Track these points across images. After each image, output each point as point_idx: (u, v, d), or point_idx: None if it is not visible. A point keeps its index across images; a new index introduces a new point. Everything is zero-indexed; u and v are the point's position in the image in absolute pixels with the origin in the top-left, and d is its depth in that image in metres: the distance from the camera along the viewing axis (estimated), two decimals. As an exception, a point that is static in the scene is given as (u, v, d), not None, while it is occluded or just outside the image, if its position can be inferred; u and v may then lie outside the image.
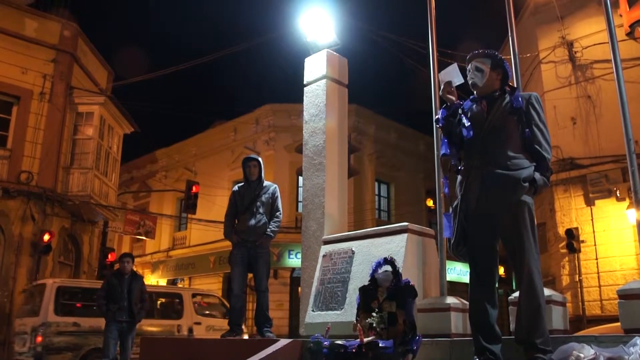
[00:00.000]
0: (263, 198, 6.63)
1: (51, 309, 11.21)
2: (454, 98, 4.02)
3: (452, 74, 4.09)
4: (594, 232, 15.70)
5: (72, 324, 11.29)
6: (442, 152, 4.04)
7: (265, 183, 6.79)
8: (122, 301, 8.55)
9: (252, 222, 6.50)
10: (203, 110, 53.36)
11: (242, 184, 6.87)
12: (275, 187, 6.86)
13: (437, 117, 4.18)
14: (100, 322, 9.06)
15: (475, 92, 4.02)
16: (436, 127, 5.08)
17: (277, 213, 6.72)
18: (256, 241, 6.47)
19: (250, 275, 6.79)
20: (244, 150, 25.88)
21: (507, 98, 3.88)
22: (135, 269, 9.38)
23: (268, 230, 6.55)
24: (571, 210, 16.33)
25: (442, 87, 4.09)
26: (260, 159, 6.89)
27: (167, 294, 14.91)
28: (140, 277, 9.31)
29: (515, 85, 4.32)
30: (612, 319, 12.94)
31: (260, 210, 6.58)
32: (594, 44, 15.66)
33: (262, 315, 6.64)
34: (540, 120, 3.82)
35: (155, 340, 8.15)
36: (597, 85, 16.08)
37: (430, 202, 19.85)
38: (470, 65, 4.02)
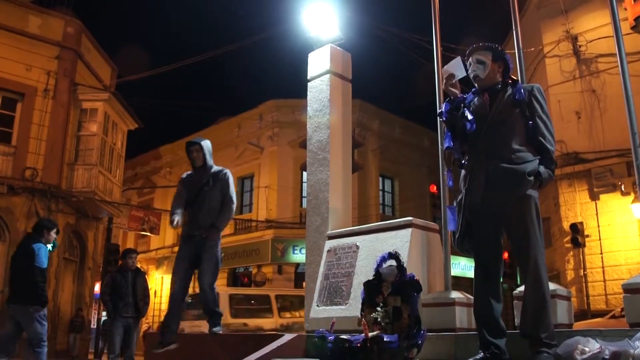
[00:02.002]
0: (211, 186, 6.01)
1: (228, 312, 13.80)
2: (457, 92, 4.01)
3: (455, 68, 4.08)
4: (598, 226, 15.68)
5: (243, 324, 13.60)
6: (446, 145, 4.03)
7: (214, 169, 6.16)
8: (127, 297, 8.57)
9: (199, 214, 5.93)
10: (207, 106, 53.39)
11: (190, 172, 6.34)
12: (226, 172, 6.18)
13: (440, 110, 4.18)
14: (263, 322, 9.73)
15: (477, 85, 4.01)
16: (440, 120, 5.07)
17: (229, 202, 6.05)
18: (202, 234, 5.87)
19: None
20: (248, 146, 25.91)
21: (510, 90, 3.87)
22: (139, 265, 9.42)
23: (216, 222, 5.95)
24: (576, 205, 16.31)
25: (444, 80, 4.08)
26: (204, 142, 6.22)
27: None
28: (143, 273, 9.35)
29: (518, 79, 4.30)
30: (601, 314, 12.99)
31: (208, 200, 5.96)
32: (599, 38, 15.60)
33: (208, 312, 6.08)
34: (544, 112, 3.80)
35: (154, 336, 8.12)
36: (601, 79, 16.03)
37: (434, 188, 19.81)
38: (471, 58, 4.01)
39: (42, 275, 6.56)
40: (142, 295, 8.77)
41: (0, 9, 16.14)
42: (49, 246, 7.14)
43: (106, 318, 17.63)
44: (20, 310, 6.53)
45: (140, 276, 8.94)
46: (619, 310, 12.30)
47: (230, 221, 6.13)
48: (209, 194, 5.95)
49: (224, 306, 14.03)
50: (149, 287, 9.40)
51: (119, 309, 8.53)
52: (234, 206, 6.09)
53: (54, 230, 7.05)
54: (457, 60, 4.11)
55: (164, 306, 28.08)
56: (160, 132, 49.46)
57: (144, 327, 25.98)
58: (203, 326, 13.85)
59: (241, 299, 15.48)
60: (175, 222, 5.93)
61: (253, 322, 14.57)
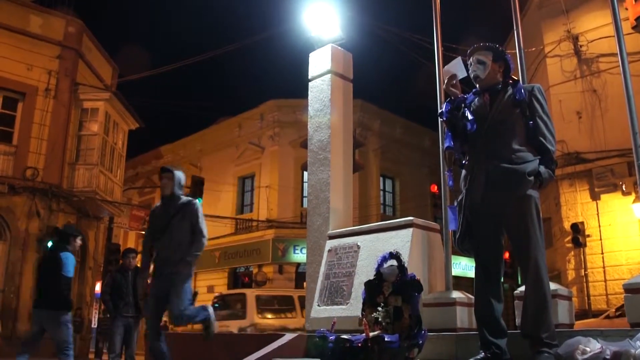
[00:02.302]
0: (179, 218, 5.51)
1: (255, 313, 14.62)
2: (457, 92, 4.01)
3: (456, 68, 4.08)
4: (599, 226, 15.67)
5: (268, 324, 13.85)
6: (446, 145, 4.03)
7: (182, 200, 5.65)
8: (127, 297, 8.57)
9: (168, 248, 5.46)
10: (208, 106, 53.37)
11: (159, 203, 5.88)
12: (195, 204, 5.66)
13: (441, 110, 4.18)
14: (287, 322, 9.86)
15: (477, 85, 4.01)
16: (440, 120, 5.07)
17: (199, 235, 5.52)
18: (171, 270, 5.37)
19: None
20: (249, 146, 25.91)
21: (510, 90, 3.87)
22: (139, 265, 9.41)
23: (186, 255, 5.41)
24: (577, 205, 16.30)
25: (445, 80, 4.08)
26: (177, 172, 5.79)
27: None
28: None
29: (518, 79, 4.30)
30: (602, 314, 12.97)
31: (176, 233, 5.47)
32: (600, 38, 15.60)
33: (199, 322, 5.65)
34: (544, 112, 3.80)
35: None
36: (602, 79, 16.02)
37: (434, 188, 19.84)
38: (472, 58, 4.01)
39: (67, 283, 6.84)
40: (142, 295, 8.76)
41: (1, 8, 16.16)
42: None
43: (102, 317, 17.69)
44: (46, 316, 6.76)
45: (139, 275, 8.93)
46: (613, 310, 12.32)
47: (199, 256, 5.56)
48: (178, 226, 5.48)
49: (250, 307, 15.04)
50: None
51: (120, 309, 8.52)
52: (205, 239, 5.58)
53: (80, 237, 7.33)
54: (458, 60, 4.11)
55: (165, 306, 28.12)
56: (161, 131, 49.52)
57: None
58: (231, 326, 14.64)
59: (266, 299, 15.74)
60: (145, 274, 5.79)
61: (278, 322, 14.80)
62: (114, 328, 8.58)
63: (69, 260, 6.79)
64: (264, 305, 15.52)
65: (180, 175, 5.78)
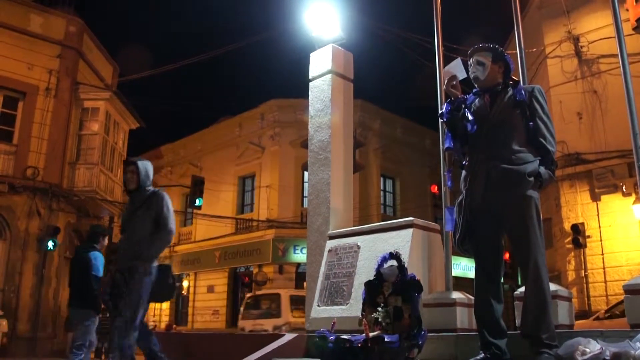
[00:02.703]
0: (143, 210, 5.10)
1: (289, 312, 15.41)
2: (457, 92, 4.01)
3: (456, 69, 4.08)
4: (599, 227, 15.67)
5: (301, 322, 13.96)
6: (446, 145, 4.04)
7: (149, 191, 5.23)
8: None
9: (128, 243, 5.08)
10: (208, 105, 53.42)
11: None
12: (161, 195, 5.20)
13: (441, 111, 4.18)
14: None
15: (477, 86, 4.01)
16: (441, 121, 5.07)
17: (162, 227, 5.06)
18: (129, 269, 5.01)
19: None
20: (249, 146, 25.93)
21: (510, 91, 3.87)
22: None
23: (146, 251, 4.97)
24: (577, 206, 16.30)
25: (445, 81, 4.08)
26: (142, 162, 5.31)
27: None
28: None
29: (519, 79, 4.30)
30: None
31: (139, 227, 5.06)
32: (600, 39, 15.60)
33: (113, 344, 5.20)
34: (544, 112, 3.80)
35: (160, 335, 8.15)
36: (603, 80, 16.01)
37: (435, 189, 19.87)
38: (471, 59, 4.01)
39: (97, 282, 6.98)
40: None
41: (2, 7, 16.17)
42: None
43: (102, 316, 17.68)
44: (76, 314, 7.03)
45: None
46: (603, 312, 12.32)
47: (164, 250, 5.12)
48: (141, 219, 5.07)
49: (285, 306, 15.77)
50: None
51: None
52: (171, 231, 5.10)
53: (107, 236, 7.62)
54: (458, 61, 4.11)
55: (165, 305, 28.14)
56: (162, 131, 49.45)
57: (150, 325, 26.03)
58: (266, 324, 15.04)
59: (298, 299, 15.93)
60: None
61: None
62: (112, 328, 8.55)
63: (98, 260, 7.00)
64: (296, 304, 15.92)
65: (146, 166, 5.31)
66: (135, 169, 5.20)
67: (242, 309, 18.18)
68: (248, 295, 19.55)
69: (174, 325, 25.00)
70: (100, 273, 7.04)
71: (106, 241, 7.51)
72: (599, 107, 16.08)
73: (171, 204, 5.22)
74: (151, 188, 5.28)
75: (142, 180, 5.20)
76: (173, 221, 5.14)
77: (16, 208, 15.56)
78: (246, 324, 16.73)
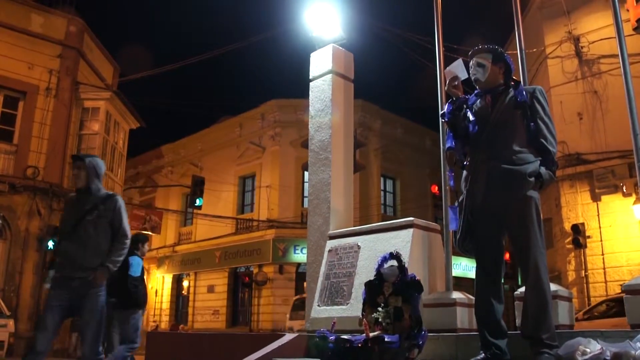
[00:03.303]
0: (95, 215, 4.71)
1: None
2: (459, 93, 4.01)
3: (458, 69, 4.08)
4: (600, 227, 15.67)
5: None
6: (448, 145, 4.04)
7: (102, 193, 4.84)
8: None
9: (81, 251, 4.63)
10: (209, 105, 53.42)
11: (73, 193, 5.04)
12: (117, 200, 4.87)
13: (443, 111, 4.18)
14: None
15: (479, 88, 4.01)
16: (442, 121, 5.07)
17: (121, 237, 4.79)
18: (86, 278, 4.60)
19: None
20: (250, 146, 25.94)
21: (512, 92, 3.87)
22: None
23: (107, 260, 4.70)
24: (577, 206, 16.30)
25: (447, 82, 4.08)
26: (90, 160, 4.89)
27: None
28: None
29: (520, 80, 4.30)
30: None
31: (94, 233, 4.68)
32: (601, 39, 15.61)
33: None
34: (545, 113, 3.80)
35: (160, 334, 8.20)
36: (603, 81, 16.02)
37: (435, 189, 19.90)
38: (472, 61, 4.01)
39: (134, 282, 7.43)
40: (133, 291, 8.74)
41: (2, 7, 16.18)
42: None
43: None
44: (118, 315, 7.46)
45: None
46: (581, 313, 12.36)
47: (120, 262, 4.85)
48: (94, 225, 4.69)
49: None
50: (149, 286, 9.44)
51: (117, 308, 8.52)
52: (129, 240, 4.86)
53: (147, 242, 8.11)
54: (460, 61, 4.11)
55: (165, 305, 28.15)
56: (162, 131, 49.52)
57: (151, 325, 26.04)
58: None
59: None
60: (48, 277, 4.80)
61: None
62: (112, 327, 8.56)
63: (136, 262, 7.46)
64: None
65: (95, 163, 4.90)
66: (83, 166, 4.81)
67: (289, 309, 18.90)
68: (296, 297, 19.88)
69: (182, 325, 25.00)
70: (137, 274, 7.49)
71: (146, 247, 7.99)
72: (599, 107, 16.09)
73: (125, 209, 4.94)
74: (104, 190, 4.93)
75: (90, 179, 4.81)
76: (129, 229, 4.91)
77: (16, 208, 15.57)
78: (294, 324, 17.07)
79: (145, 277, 8.11)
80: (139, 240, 7.86)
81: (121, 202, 4.86)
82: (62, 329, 16.64)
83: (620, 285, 14.05)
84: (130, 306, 7.45)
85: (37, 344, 4.43)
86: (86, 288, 4.60)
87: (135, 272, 7.45)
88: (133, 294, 7.38)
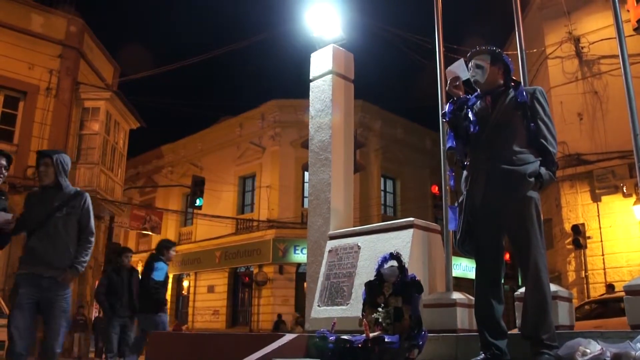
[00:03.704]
0: (65, 212, 4.64)
1: None
2: (460, 93, 4.01)
3: (459, 69, 4.08)
4: (600, 228, 15.67)
5: None
6: (448, 145, 4.04)
7: (69, 190, 4.76)
8: (123, 297, 8.57)
9: (50, 249, 4.55)
10: (209, 105, 53.42)
11: (37, 188, 4.94)
12: (86, 198, 4.80)
13: (444, 111, 4.18)
14: None
15: (479, 89, 4.01)
16: (443, 121, 5.07)
17: (88, 235, 4.73)
18: (55, 277, 4.51)
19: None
20: (250, 146, 25.94)
21: (512, 93, 3.87)
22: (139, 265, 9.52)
23: (76, 262, 4.61)
24: (577, 206, 16.30)
25: (448, 82, 4.08)
26: (57, 156, 4.81)
27: None
28: (137, 271, 9.39)
29: (520, 80, 4.30)
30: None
31: (63, 231, 4.60)
32: (601, 40, 15.60)
33: None
34: (546, 114, 3.80)
35: (162, 335, 8.20)
36: (604, 81, 16.02)
37: (435, 189, 19.90)
38: (471, 62, 4.01)
39: (155, 285, 7.82)
40: (137, 295, 8.76)
41: (3, 7, 16.19)
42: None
43: (97, 316, 17.73)
44: (143, 318, 7.91)
45: (135, 275, 8.94)
46: None
47: (88, 262, 4.72)
48: (64, 222, 4.62)
49: None
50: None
51: (116, 309, 8.52)
52: (93, 241, 4.79)
53: (173, 248, 8.38)
54: (461, 61, 4.11)
55: (165, 305, 28.13)
56: (162, 131, 49.51)
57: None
58: None
59: None
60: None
61: None
62: (110, 328, 8.56)
63: (160, 267, 7.89)
64: None
65: (62, 159, 4.81)
66: (50, 162, 4.72)
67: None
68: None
69: (185, 326, 25.00)
70: (160, 278, 7.88)
71: (172, 253, 8.29)
72: (599, 107, 16.09)
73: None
74: (71, 187, 4.84)
75: (59, 175, 4.73)
76: (94, 227, 4.86)
77: (17, 208, 15.46)
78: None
79: (168, 282, 8.49)
80: (165, 246, 8.21)
81: (89, 199, 4.80)
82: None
83: (606, 286, 14.13)
84: (151, 310, 7.78)
85: (15, 346, 4.35)
86: (56, 288, 4.53)
87: (157, 276, 7.80)
88: (156, 298, 7.76)
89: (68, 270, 4.56)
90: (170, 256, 8.24)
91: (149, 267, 8.03)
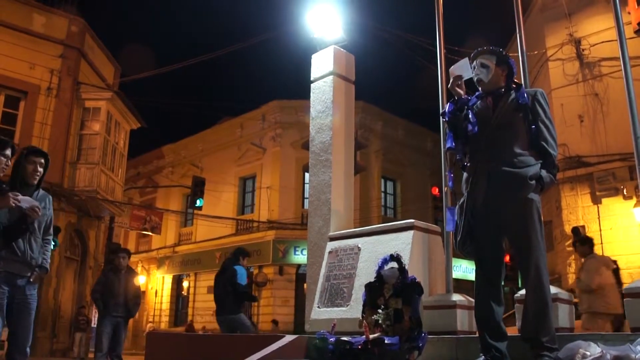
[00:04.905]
0: (41, 213, 4.54)
1: None
2: (462, 92, 4.01)
3: (462, 68, 4.08)
4: (600, 230, 15.63)
5: None
6: (448, 145, 4.04)
7: (40, 190, 4.77)
8: (119, 297, 8.54)
9: (30, 248, 4.46)
10: (210, 106, 53.43)
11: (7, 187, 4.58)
12: (51, 198, 4.85)
13: (443, 110, 4.18)
14: None
15: (480, 89, 4.01)
16: (442, 120, 5.07)
17: (49, 236, 4.75)
18: (29, 277, 4.46)
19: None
20: (251, 147, 25.94)
21: (513, 95, 3.87)
22: (140, 265, 9.52)
23: (45, 262, 4.62)
24: (578, 209, 16.27)
25: (451, 80, 4.07)
26: (48, 158, 4.81)
27: None
28: (135, 273, 9.36)
29: (521, 83, 4.30)
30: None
31: (37, 230, 4.56)
32: (602, 42, 15.57)
33: None
34: (546, 116, 3.81)
35: (160, 335, 8.22)
36: (604, 83, 15.99)
37: (436, 191, 19.89)
38: (475, 61, 4.02)
39: (244, 289, 8.46)
40: (132, 296, 8.74)
41: (4, 7, 16.19)
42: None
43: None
44: (229, 321, 8.21)
45: (131, 276, 8.92)
46: None
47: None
48: (38, 223, 4.56)
49: None
50: (149, 286, 9.49)
51: (110, 308, 8.48)
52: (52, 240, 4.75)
53: (247, 257, 9.04)
54: (465, 61, 4.11)
55: (165, 306, 28.13)
56: (163, 131, 49.53)
57: (149, 327, 26.03)
58: None
59: None
60: None
61: None
62: (102, 327, 8.52)
63: (241, 271, 8.41)
64: None
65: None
66: (44, 164, 4.74)
67: None
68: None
69: (203, 326, 24.94)
70: (244, 282, 8.40)
71: (246, 261, 8.93)
72: (600, 110, 16.07)
73: None
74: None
75: (43, 177, 4.73)
76: None
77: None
78: None
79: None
80: (240, 254, 8.86)
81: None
82: (61, 329, 16.66)
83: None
84: (236, 312, 8.28)
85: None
86: (29, 287, 4.48)
87: (242, 280, 8.36)
88: (246, 299, 8.64)
89: (37, 270, 4.53)
90: (245, 264, 8.83)
91: (231, 272, 8.46)
